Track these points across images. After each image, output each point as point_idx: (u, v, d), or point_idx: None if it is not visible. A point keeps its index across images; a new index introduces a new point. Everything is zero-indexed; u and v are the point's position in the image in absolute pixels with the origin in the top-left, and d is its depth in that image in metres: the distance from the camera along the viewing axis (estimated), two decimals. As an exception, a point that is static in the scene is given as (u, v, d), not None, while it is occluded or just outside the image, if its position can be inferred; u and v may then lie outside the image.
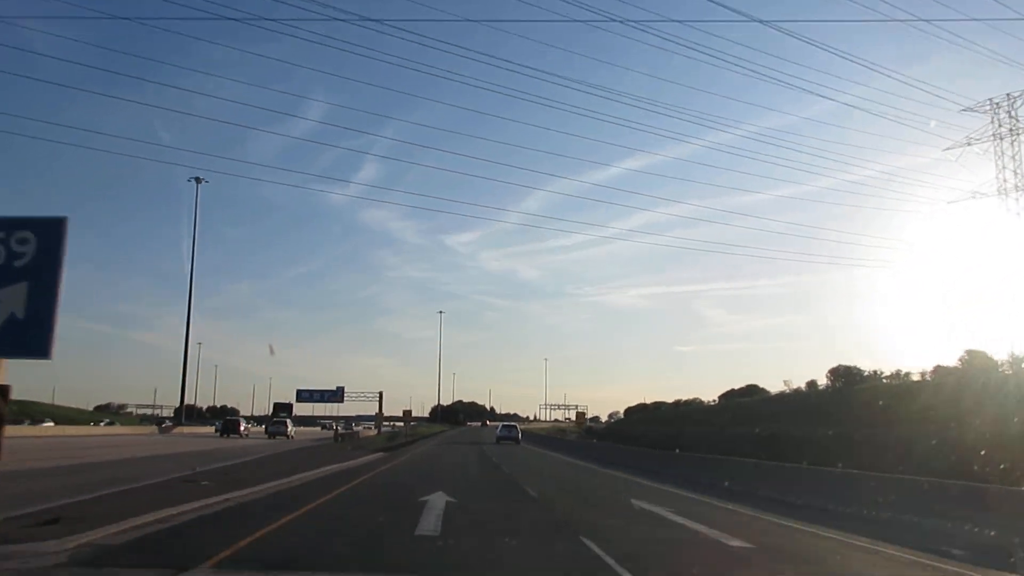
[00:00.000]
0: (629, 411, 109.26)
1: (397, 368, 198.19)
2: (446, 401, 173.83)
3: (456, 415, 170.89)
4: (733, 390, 76.75)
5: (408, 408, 58.11)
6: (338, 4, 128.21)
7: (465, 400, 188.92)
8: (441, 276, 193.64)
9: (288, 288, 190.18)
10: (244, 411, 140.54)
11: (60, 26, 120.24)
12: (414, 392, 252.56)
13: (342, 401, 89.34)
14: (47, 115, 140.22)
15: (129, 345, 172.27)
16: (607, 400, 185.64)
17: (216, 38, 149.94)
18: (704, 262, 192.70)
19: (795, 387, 58.24)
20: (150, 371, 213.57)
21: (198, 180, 71.54)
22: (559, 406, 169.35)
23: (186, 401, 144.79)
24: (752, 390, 70.57)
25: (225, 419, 69.17)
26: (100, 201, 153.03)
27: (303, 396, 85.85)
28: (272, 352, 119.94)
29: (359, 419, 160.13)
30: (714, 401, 79.06)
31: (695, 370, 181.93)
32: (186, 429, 73.57)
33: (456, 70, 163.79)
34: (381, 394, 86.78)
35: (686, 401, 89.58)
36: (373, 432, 78.20)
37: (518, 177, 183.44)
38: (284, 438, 52.82)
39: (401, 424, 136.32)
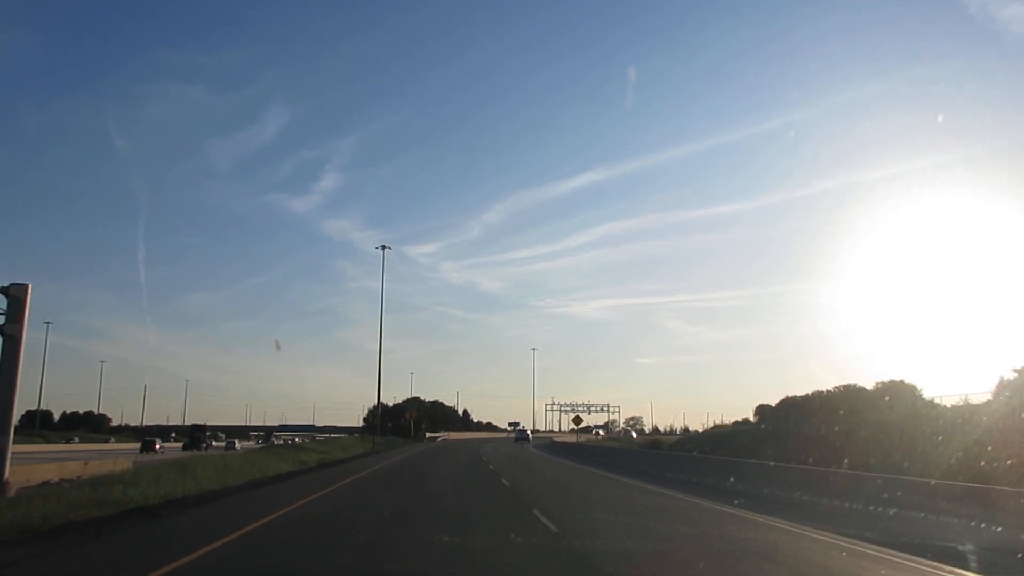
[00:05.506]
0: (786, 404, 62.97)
1: (358, 379, 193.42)
2: (399, 397, 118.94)
3: (399, 416, 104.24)
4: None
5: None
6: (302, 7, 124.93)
7: (426, 399, 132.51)
8: (402, 287, 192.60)
9: (245, 298, 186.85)
10: (132, 420, 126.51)
11: (9, 28, 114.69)
12: (368, 401, 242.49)
13: None
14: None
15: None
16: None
17: (176, 45, 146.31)
18: (665, 273, 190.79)
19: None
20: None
21: None
22: (577, 407, 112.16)
23: (37, 406, 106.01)
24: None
25: (144, 439, 70.24)
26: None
27: None
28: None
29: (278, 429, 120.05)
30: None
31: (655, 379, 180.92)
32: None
33: (416, 81, 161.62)
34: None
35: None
36: None
37: (479, 189, 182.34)
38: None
39: (342, 436, 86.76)
